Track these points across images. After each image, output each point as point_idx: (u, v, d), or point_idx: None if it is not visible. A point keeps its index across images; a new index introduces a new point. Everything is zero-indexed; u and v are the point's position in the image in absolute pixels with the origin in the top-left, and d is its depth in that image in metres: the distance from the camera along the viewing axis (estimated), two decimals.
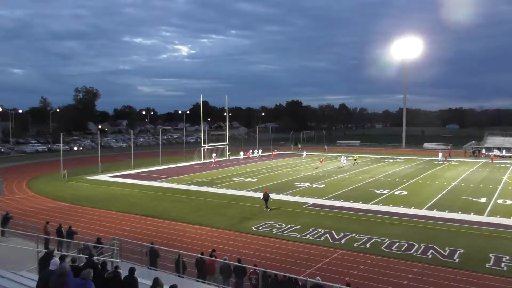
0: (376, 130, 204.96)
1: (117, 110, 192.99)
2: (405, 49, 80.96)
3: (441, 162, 57.14)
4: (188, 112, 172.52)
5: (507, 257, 17.89)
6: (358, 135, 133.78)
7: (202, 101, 70.59)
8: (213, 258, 14.60)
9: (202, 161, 60.23)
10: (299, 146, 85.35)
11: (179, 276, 14.24)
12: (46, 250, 13.18)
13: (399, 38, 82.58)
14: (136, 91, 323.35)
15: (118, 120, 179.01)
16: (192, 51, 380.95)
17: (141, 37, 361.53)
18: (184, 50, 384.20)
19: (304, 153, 67.33)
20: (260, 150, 70.83)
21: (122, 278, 9.68)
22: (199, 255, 14.73)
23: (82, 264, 10.80)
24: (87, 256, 11.69)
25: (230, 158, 64.03)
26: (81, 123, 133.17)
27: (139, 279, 9.72)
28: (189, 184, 39.18)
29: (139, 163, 55.68)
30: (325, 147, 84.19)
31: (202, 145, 63.26)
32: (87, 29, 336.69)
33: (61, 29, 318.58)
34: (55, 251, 15.65)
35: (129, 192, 35.52)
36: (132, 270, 9.71)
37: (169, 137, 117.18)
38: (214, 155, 59.97)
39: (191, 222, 25.04)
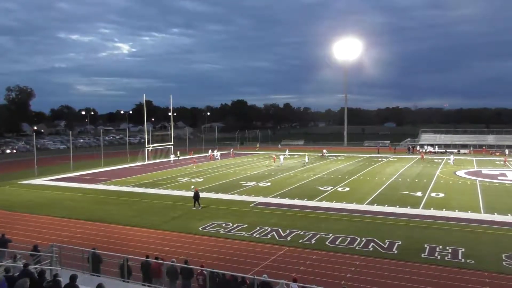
0: (319, 128, 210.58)
1: (54, 111, 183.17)
2: (345, 50, 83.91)
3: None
4: (130, 112, 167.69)
5: (440, 247, 19.13)
6: (302, 134, 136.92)
7: (146, 100, 68.93)
8: (159, 261, 14.32)
9: (147, 162, 58.85)
10: (257, 145, 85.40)
11: (124, 281, 13.85)
12: None
13: (339, 39, 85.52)
14: (74, 91, 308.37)
15: (55, 121, 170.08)
16: (133, 49, 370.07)
17: (78, 34, 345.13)
18: (125, 48, 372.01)
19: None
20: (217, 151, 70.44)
21: (63, 286, 9.26)
22: (144, 259, 14.40)
23: (17, 274, 10.19)
24: (23, 265, 11.03)
25: (181, 158, 63.01)
26: (14, 124, 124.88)
27: (81, 286, 9.36)
28: (133, 186, 38.12)
29: (79, 166, 53.29)
30: (257, 145, 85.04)
31: (146, 146, 61.84)
32: (17, 24, 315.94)
33: None
34: None
35: (68, 196, 33.90)
36: (73, 278, 9.33)
37: (111, 138, 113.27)
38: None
39: (136, 225, 24.38)
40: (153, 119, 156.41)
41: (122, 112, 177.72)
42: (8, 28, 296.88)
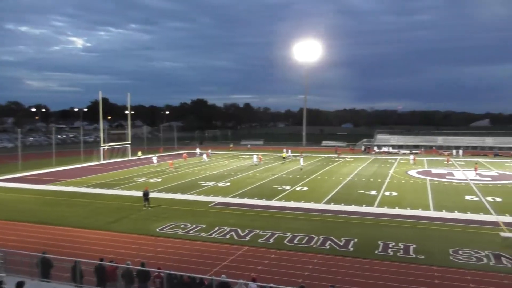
0: (279, 129, 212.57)
1: (1, 106, 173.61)
2: (305, 51, 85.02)
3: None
4: (85, 109, 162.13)
5: (393, 243, 19.84)
6: (262, 134, 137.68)
7: (102, 98, 66.83)
8: (114, 264, 13.92)
9: (102, 161, 57.12)
10: (231, 146, 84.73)
11: (76, 285, 13.35)
12: None
13: (299, 41, 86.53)
14: (23, 86, 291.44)
15: (2, 118, 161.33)
16: (88, 44, 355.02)
17: (28, 26, 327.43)
18: (79, 42, 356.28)
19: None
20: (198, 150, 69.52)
21: None
22: (98, 262, 13.95)
23: None
24: None
25: (141, 157, 61.63)
26: None
27: None
28: (88, 187, 36.87)
29: (28, 165, 50.87)
30: (230, 145, 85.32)
31: (102, 145, 60.00)
32: None
33: None
34: None
35: (16, 198, 32.26)
36: (20, 284, 8.88)
37: (64, 136, 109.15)
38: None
39: (90, 227, 23.57)
40: (109, 117, 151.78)
41: (76, 109, 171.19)
42: None
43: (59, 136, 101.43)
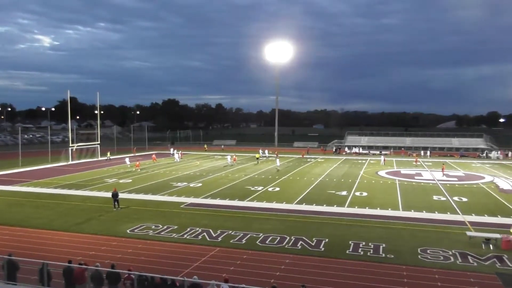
0: (251, 129, 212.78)
1: None
2: (277, 52, 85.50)
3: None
4: (53, 109, 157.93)
5: (363, 243, 20.22)
6: (234, 135, 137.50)
7: (70, 97, 65.21)
8: (83, 266, 13.61)
9: (70, 162, 55.70)
10: (205, 146, 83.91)
11: None
12: None
13: (271, 42, 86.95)
14: None
15: None
16: (56, 43, 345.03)
17: None
18: (46, 40, 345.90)
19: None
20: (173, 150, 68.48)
21: None
22: (66, 264, 13.61)
23: None
24: None
25: (110, 158, 60.34)
26: None
27: None
28: (55, 188, 35.86)
29: None
30: (205, 146, 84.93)
31: (70, 145, 58.56)
32: None
33: None
34: None
35: None
36: None
37: (31, 136, 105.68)
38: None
39: (58, 228, 22.94)
40: (78, 117, 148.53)
41: (43, 109, 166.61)
42: None
43: (25, 136, 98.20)
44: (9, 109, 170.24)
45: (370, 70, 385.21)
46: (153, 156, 59.79)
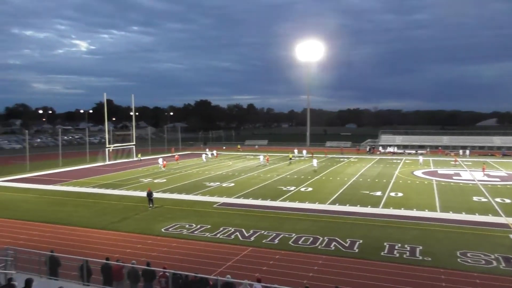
0: (283, 129, 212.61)
1: (9, 109, 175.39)
2: (307, 51, 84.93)
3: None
4: (90, 111, 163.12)
5: (399, 245, 19.74)
6: (266, 135, 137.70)
7: (106, 99, 67.20)
8: (120, 263, 13.99)
9: (107, 162, 57.37)
10: (239, 146, 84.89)
11: (84, 284, 13.44)
12: None
13: (301, 41, 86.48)
14: (30, 88, 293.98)
15: (10, 120, 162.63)
16: (92, 47, 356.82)
17: (33, 30, 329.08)
18: (83, 45, 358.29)
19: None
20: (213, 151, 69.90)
21: None
22: (104, 261, 14.03)
23: None
24: None
25: (141, 159, 61.79)
26: None
27: None
28: (93, 187, 37.05)
29: (36, 166, 51.21)
30: (238, 146, 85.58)
31: (107, 146, 60.31)
32: None
33: None
34: None
35: (24, 198, 32.50)
36: (28, 282, 8.97)
37: (70, 137, 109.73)
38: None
39: (96, 226, 23.70)
40: (114, 119, 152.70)
41: (81, 111, 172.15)
42: None
43: (65, 138, 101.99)
44: (50, 111, 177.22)
45: (404, 67, 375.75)
46: (176, 156, 60.51)
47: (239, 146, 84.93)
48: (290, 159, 58.00)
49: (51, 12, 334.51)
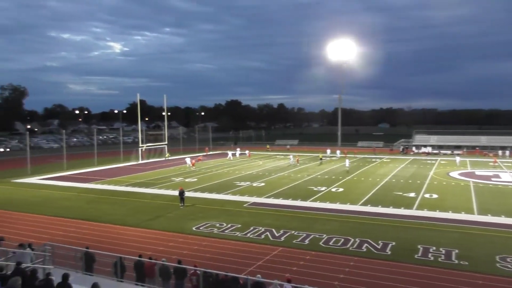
0: (313, 129, 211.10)
1: (48, 109, 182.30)
2: (339, 50, 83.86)
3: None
4: (124, 111, 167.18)
5: (434, 248, 19.18)
6: (296, 134, 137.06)
7: (139, 100, 68.67)
8: (152, 261, 14.26)
9: (140, 161, 58.62)
10: (268, 146, 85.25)
11: (118, 280, 13.77)
12: None
13: (333, 40, 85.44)
14: (67, 90, 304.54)
15: (48, 120, 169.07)
16: (126, 49, 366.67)
17: (69, 33, 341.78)
18: (117, 47, 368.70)
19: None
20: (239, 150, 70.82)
21: (55, 285, 9.19)
22: (137, 258, 14.33)
23: (10, 272, 10.09)
24: (16, 264, 10.93)
25: (168, 158, 62.78)
26: (7, 123, 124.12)
27: (74, 285, 9.31)
28: (127, 186, 37.95)
29: (72, 165, 52.99)
30: (267, 146, 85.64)
31: (140, 145, 61.62)
32: (8, 22, 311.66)
33: None
34: None
35: (62, 195, 33.69)
36: (65, 277, 9.26)
37: (105, 137, 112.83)
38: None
39: (129, 224, 24.26)
40: (146, 119, 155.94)
41: (115, 111, 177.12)
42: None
43: (100, 137, 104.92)
44: (86, 112, 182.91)
45: (440, 65, 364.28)
46: (199, 157, 60.29)
47: (268, 146, 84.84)
48: (321, 159, 57.34)
49: (87, 16, 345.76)
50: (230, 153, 64.45)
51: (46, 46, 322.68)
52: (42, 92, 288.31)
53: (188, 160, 53.15)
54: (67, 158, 52.96)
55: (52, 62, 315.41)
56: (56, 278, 9.39)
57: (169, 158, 62.75)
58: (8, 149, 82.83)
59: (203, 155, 66.86)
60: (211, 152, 73.03)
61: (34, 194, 34.52)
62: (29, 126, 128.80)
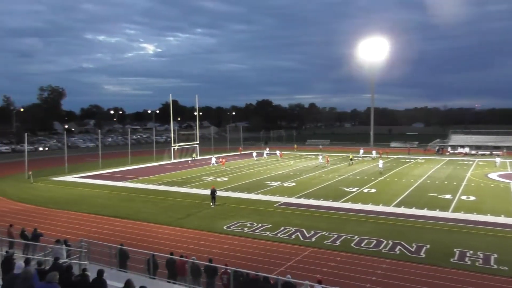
0: (345, 129, 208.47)
1: (84, 110, 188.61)
2: (372, 49, 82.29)
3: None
4: (157, 111, 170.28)
5: (471, 252, 18.53)
6: (328, 134, 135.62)
7: (172, 100, 69.82)
8: (184, 259, 14.44)
9: (173, 160, 59.57)
10: (295, 146, 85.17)
11: (150, 277, 14.03)
12: (5, 254, 12.75)
13: (365, 38, 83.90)
14: (102, 90, 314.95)
15: (85, 120, 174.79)
16: (159, 50, 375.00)
17: (105, 35, 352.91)
18: (150, 48, 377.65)
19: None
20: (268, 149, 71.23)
21: (90, 280, 9.44)
22: (169, 256, 14.55)
23: (48, 267, 10.45)
24: (53, 259, 11.33)
25: (195, 158, 63.10)
26: (47, 123, 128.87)
27: (109, 281, 9.52)
28: (159, 184, 38.65)
29: (107, 163, 54.49)
30: (295, 146, 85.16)
31: (172, 145, 62.61)
32: (45, 25, 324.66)
33: (18, 26, 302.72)
34: (21, 255, 15.17)
35: (97, 193, 34.70)
36: (100, 273, 9.49)
37: (138, 136, 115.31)
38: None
39: (162, 222, 24.70)
40: (179, 119, 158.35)
41: (149, 111, 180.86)
42: (37, 29, 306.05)
43: (134, 137, 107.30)
44: (120, 112, 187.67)
45: (477, 63, 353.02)
46: (222, 160, 55.72)
47: (295, 146, 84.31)
48: (351, 159, 55.91)
49: (121, 18, 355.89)
50: (254, 153, 64.36)
51: (83, 48, 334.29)
52: (79, 93, 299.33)
53: (213, 160, 53.38)
54: (102, 157, 54.46)
55: (88, 64, 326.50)
56: (92, 274, 9.65)
57: (195, 158, 63.12)
58: (47, 148, 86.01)
59: (236, 155, 67.35)
60: (243, 152, 73.31)
61: (70, 192, 35.72)
62: (66, 126, 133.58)
